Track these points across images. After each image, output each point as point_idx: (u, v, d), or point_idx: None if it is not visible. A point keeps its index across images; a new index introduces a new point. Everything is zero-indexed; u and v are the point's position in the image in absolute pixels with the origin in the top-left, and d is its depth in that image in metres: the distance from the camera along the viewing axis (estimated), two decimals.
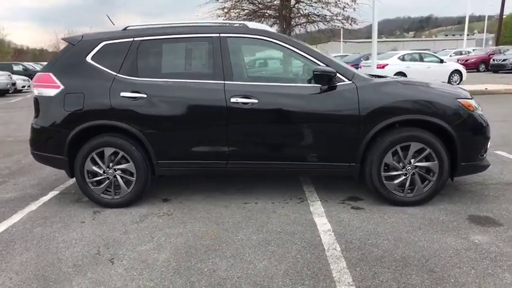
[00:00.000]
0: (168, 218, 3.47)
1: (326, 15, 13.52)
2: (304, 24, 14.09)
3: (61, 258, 2.82)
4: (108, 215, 3.55)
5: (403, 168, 3.47)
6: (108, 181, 3.66)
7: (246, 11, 13.10)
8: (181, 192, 4.08)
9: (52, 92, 3.60)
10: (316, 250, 2.81)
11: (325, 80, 3.35)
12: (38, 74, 3.78)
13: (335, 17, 13.53)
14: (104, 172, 3.65)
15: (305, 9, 13.81)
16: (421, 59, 15.33)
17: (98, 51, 3.64)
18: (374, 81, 3.51)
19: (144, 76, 3.58)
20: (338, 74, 3.44)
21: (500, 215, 3.31)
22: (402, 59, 15.04)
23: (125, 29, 3.78)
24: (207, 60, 3.63)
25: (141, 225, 3.32)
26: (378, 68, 13.90)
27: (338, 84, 3.44)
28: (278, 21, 13.63)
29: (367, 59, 18.67)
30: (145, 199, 3.86)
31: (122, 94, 3.51)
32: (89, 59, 3.63)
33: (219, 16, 12.78)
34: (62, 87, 3.59)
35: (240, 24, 3.68)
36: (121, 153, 3.59)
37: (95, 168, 3.64)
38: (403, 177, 3.49)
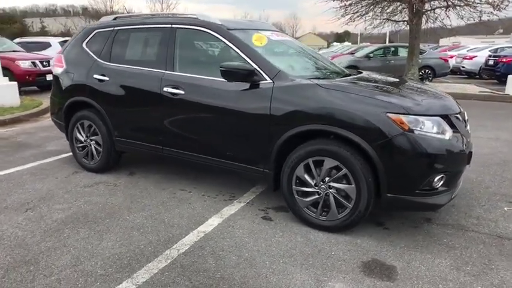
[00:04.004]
0: (110, 188, 3.93)
1: None
2: (444, 9, 11.94)
3: (6, 199, 3.63)
4: (77, 177, 4.25)
5: (315, 185, 2.99)
6: (86, 148, 4.36)
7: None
8: (149, 169, 4.47)
9: (59, 71, 4.47)
10: (163, 246, 2.81)
11: (234, 76, 3.14)
12: (55, 55, 4.71)
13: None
14: (84, 140, 4.35)
15: None
16: None
17: (90, 38, 4.30)
18: (293, 82, 3.07)
19: (113, 62, 4.05)
20: (261, 72, 3.17)
21: (413, 270, 2.54)
22: None
23: (114, 19, 4.31)
24: (157, 49, 3.84)
25: (84, 190, 3.88)
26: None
27: (261, 82, 3.18)
28: (406, 8, 12.02)
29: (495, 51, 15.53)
30: (118, 169, 4.42)
31: (94, 76, 4.08)
32: (84, 44, 4.32)
33: (334, 0, 12.09)
34: (65, 66, 4.41)
35: (193, 15, 3.70)
36: (93, 126, 4.21)
37: (79, 136, 4.38)
38: (316, 196, 3.01)
